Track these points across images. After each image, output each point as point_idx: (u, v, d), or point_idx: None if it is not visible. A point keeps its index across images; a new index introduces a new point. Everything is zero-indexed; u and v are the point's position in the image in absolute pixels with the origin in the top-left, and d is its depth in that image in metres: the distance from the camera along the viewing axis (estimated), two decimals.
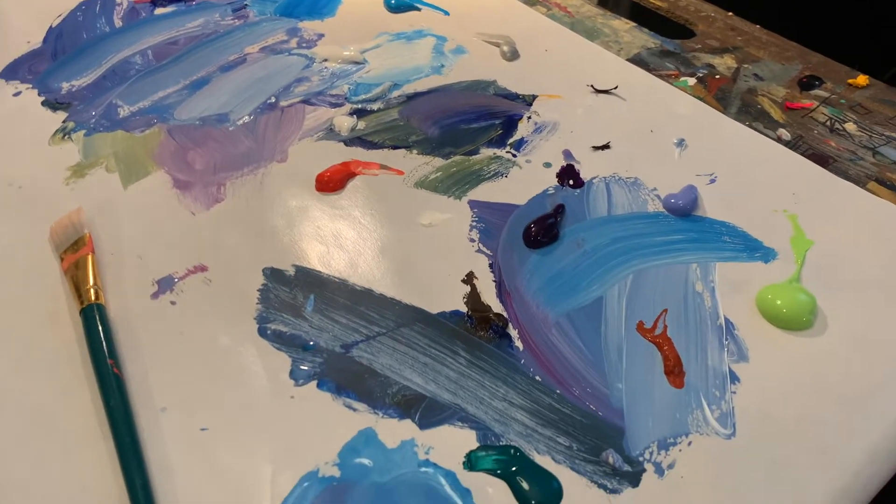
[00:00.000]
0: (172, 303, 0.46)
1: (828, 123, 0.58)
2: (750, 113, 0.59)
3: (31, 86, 0.62)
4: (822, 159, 0.55)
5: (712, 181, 0.54)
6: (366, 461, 0.39)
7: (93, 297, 0.45)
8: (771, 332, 0.44)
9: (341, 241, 0.49)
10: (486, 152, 0.56)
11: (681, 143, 0.57)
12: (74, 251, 0.48)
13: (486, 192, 0.53)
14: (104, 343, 0.42)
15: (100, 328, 0.43)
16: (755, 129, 0.58)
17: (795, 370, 0.42)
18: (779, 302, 0.45)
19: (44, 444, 0.39)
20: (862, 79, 0.62)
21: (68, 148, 0.56)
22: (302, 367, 0.43)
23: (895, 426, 0.40)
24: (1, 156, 0.55)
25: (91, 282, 0.46)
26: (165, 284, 0.47)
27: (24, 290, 0.46)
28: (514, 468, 0.38)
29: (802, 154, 0.56)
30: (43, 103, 0.60)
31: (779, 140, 0.57)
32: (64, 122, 0.58)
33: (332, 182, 0.53)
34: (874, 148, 0.56)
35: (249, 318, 0.45)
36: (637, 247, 0.49)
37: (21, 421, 0.40)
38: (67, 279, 0.47)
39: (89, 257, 0.47)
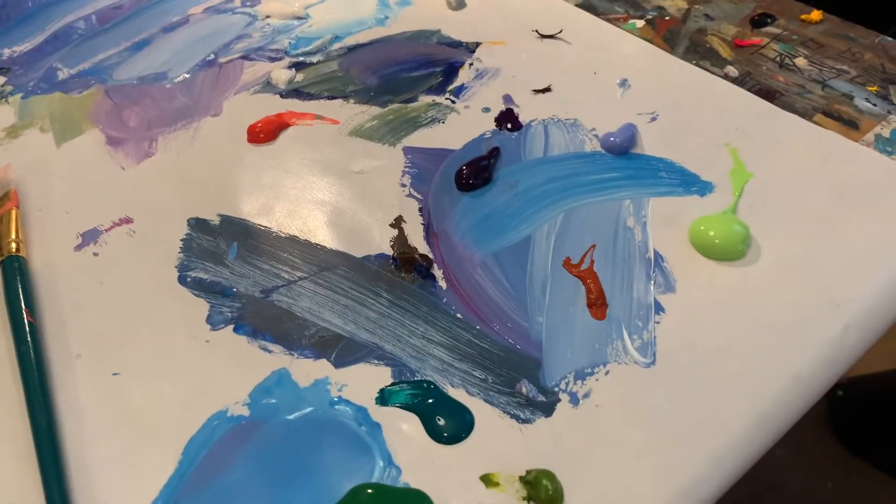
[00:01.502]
0: (95, 254, 0.46)
1: (777, 59, 0.57)
2: (698, 52, 0.58)
3: None
4: (769, 94, 0.54)
5: (653, 119, 0.52)
6: (275, 400, 0.38)
7: (13, 250, 0.44)
8: (702, 264, 0.43)
9: (270, 190, 0.49)
10: (425, 99, 0.55)
11: (623, 83, 0.55)
12: (0, 206, 0.47)
13: (423, 138, 0.52)
14: (21, 293, 0.42)
15: (17, 279, 0.43)
16: (702, 68, 0.56)
17: (724, 300, 0.41)
18: (711, 233, 0.44)
19: None
20: (816, 14, 0.60)
21: (3, 110, 0.56)
22: (219, 313, 0.42)
23: (821, 351, 0.38)
24: None
25: (13, 235, 0.45)
26: (89, 237, 0.46)
27: None
28: (426, 402, 0.38)
29: (749, 90, 0.54)
30: None
31: (726, 77, 0.55)
32: (2, 86, 0.58)
33: (263, 133, 0.53)
34: (824, 81, 0.55)
35: (171, 267, 0.45)
36: (570, 186, 0.48)
37: None
38: None
39: (13, 212, 0.47)
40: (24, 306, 0.41)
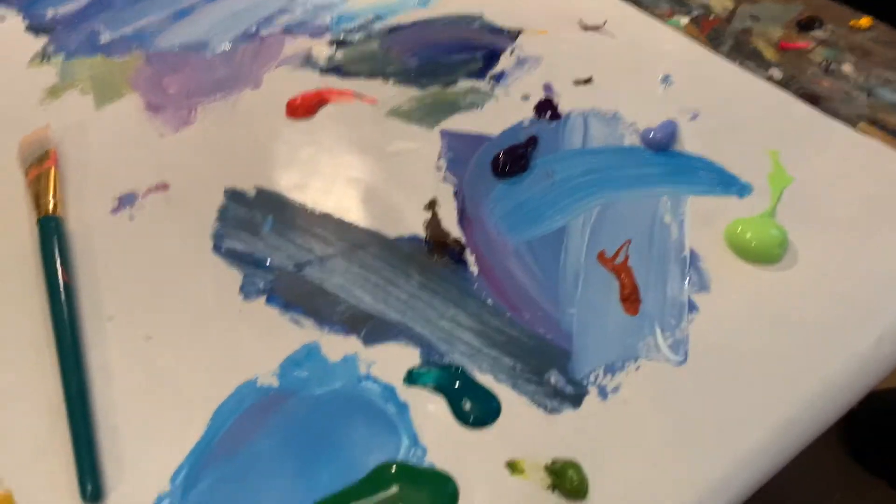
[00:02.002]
0: (131, 218, 0.46)
1: (823, 64, 0.56)
2: (742, 52, 0.57)
3: (17, 11, 0.62)
4: (812, 99, 0.53)
5: (694, 117, 0.52)
6: (305, 373, 0.38)
7: (51, 209, 0.45)
8: (737, 266, 0.43)
9: (306, 165, 0.49)
10: (464, 84, 0.55)
11: (666, 79, 0.55)
12: (39, 165, 0.48)
13: (460, 122, 0.52)
14: (56, 252, 0.42)
15: (54, 238, 0.43)
16: (746, 69, 0.56)
17: (758, 303, 0.41)
18: (748, 235, 0.43)
19: None
20: (865, 20, 0.59)
21: (46, 71, 0.56)
22: (252, 283, 0.42)
23: (854, 360, 0.38)
24: None
25: (51, 194, 0.46)
26: (126, 201, 0.47)
27: None
28: (454, 385, 0.38)
29: (793, 94, 0.54)
30: (27, 28, 0.60)
31: (769, 80, 0.55)
32: (45, 46, 0.58)
33: (302, 108, 0.53)
34: (870, 89, 0.54)
35: (206, 236, 0.45)
36: (608, 179, 0.48)
37: None
38: (30, 192, 0.47)
39: (52, 171, 0.47)
40: (59, 266, 0.41)
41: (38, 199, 0.45)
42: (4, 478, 0.35)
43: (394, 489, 0.34)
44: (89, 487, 0.33)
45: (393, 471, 0.34)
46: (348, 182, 0.48)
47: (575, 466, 0.34)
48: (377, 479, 0.34)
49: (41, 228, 0.43)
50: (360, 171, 0.48)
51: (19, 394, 0.37)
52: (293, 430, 0.36)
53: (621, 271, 0.42)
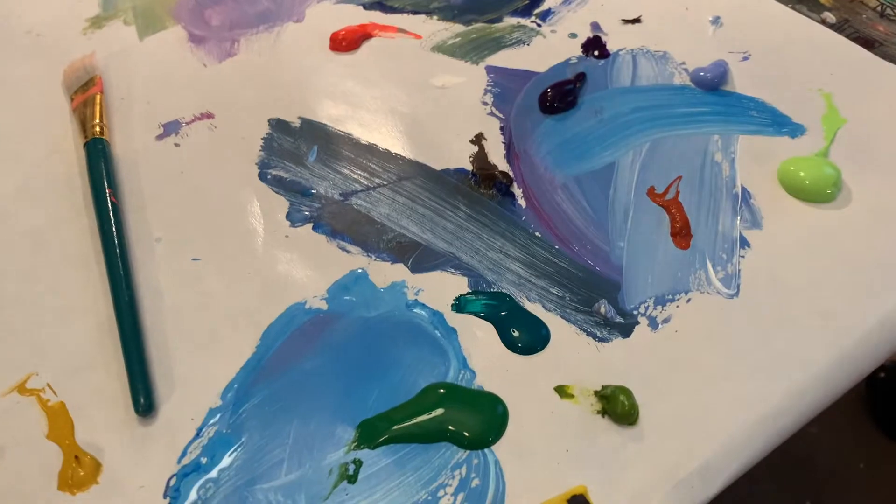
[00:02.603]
0: (176, 145, 0.46)
1: (878, 8, 0.54)
2: None
3: None
4: (867, 43, 0.52)
5: (745, 58, 0.51)
6: (353, 298, 0.38)
7: (98, 133, 0.45)
8: (790, 203, 0.42)
9: (350, 97, 0.48)
10: (510, 21, 0.54)
11: (716, 20, 0.53)
12: (84, 91, 0.47)
13: (506, 58, 0.51)
14: (104, 174, 0.42)
15: (101, 160, 0.43)
16: (798, 12, 0.54)
17: (811, 240, 0.40)
18: (802, 173, 0.42)
19: (37, 262, 0.40)
20: None
21: (88, 1, 0.56)
22: (299, 211, 0.42)
23: None
24: (22, 5, 0.55)
25: (97, 119, 0.45)
26: (171, 128, 0.47)
27: (35, 127, 0.47)
28: (502, 313, 0.37)
29: (847, 37, 0.52)
30: None
31: (823, 23, 0.53)
32: None
33: (346, 41, 0.52)
34: None
35: (251, 164, 0.45)
36: (658, 117, 0.47)
37: (18, 240, 0.41)
38: (75, 117, 0.47)
39: (97, 97, 0.47)
40: (107, 187, 0.41)
41: (84, 123, 0.45)
42: (58, 390, 0.35)
43: (443, 409, 0.34)
44: (142, 401, 0.34)
45: (443, 391, 0.34)
46: (392, 115, 0.47)
47: (626, 392, 0.34)
48: (427, 398, 0.34)
49: (88, 151, 0.43)
50: (404, 104, 0.48)
51: (69, 311, 0.38)
52: (342, 351, 0.36)
53: (672, 206, 0.42)
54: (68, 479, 0.32)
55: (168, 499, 0.32)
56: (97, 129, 0.45)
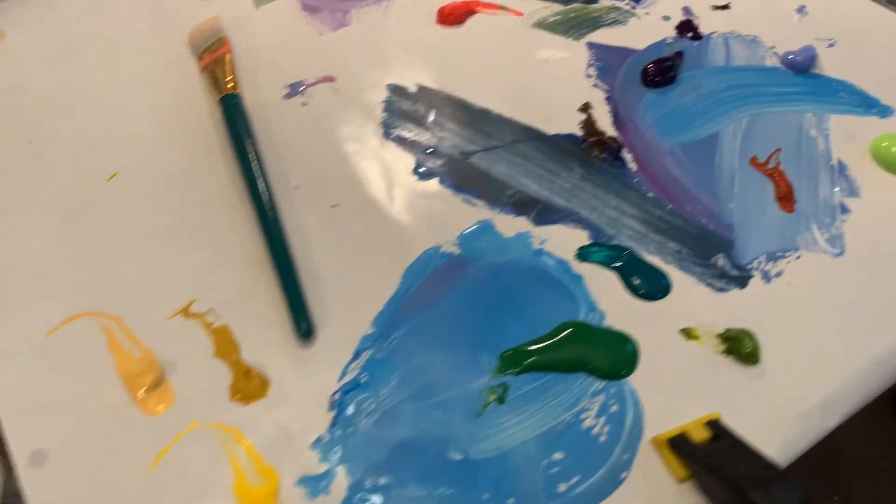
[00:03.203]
0: (304, 104, 0.49)
1: None
2: None
3: None
4: None
5: (831, 45, 0.53)
6: (483, 245, 0.41)
7: (231, 89, 0.47)
8: (884, 177, 0.45)
9: (460, 67, 0.51)
10: (606, 2, 0.57)
11: (801, 9, 0.56)
12: (213, 52, 0.50)
13: (604, 36, 0.54)
14: (243, 125, 0.45)
15: (237, 113, 0.46)
16: (880, 4, 0.57)
17: None
18: (894, 149, 0.45)
19: (185, 203, 0.43)
20: None
21: None
22: (424, 166, 0.45)
23: None
24: None
25: (229, 76, 0.48)
26: (296, 88, 0.49)
27: (165, 84, 0.49)
28: (625, 263, 0.40)
29: None
30: None
31: None
32: None
33: (452, 15, 0.55)
34: None
35: (374, 123, 0.47)
36: (753, 94, 0.50)
37: (166, 181, 0.43)
38: (206, 75, 0.50)
39: (227, 56, 0.50)
40: (248, 136, 0.44)
41: (215, 81, 0.48)
42: (221, 314, 0.38)
43: (578, 344, 0.37)
44: (304, 325, 0.36)
45: (576, 328, 0.37)
46: (502, 83, 0.50)
47: (749, 334, 0.36)
48: (562, 334, 0.37)
49: (225, 105, 0.46)
50: (511, 74, 0.51)
51: (220, 246, 0.41)
52: (478, 291, 0.39)
53: (775, 174, 0.44)
54: (240, 392, 0.35)
55: (333, 412, 0.34)
56: (229, 85, 0.48)
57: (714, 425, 0.33)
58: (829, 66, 0.52)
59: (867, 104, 0.49)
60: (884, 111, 0.49)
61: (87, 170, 0.44)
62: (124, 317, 0.38)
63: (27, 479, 0.33)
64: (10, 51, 0.52)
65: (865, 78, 0.51)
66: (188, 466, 0.33)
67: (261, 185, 0.42)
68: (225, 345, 0.36)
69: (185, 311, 0.38)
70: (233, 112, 0.46)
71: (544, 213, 0.43)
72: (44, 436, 0.34)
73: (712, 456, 0.31)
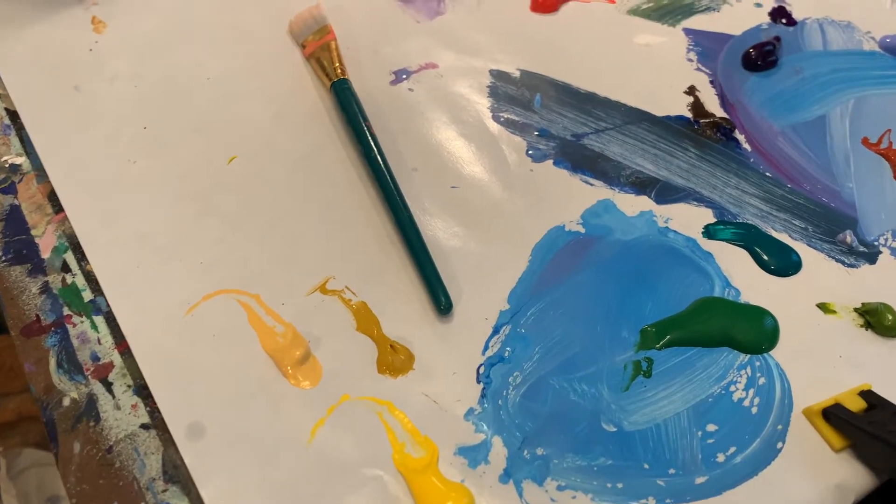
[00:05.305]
0: (410, 90, 0.49)
1: None
2: None
3: None
4: None
5: None
6: (607, 223, 0.41)
7: (340, 74, 0.48)
8: None
9: (560, 52, 0.51)
10: None
11: None
12: (317, 39, 0.51)
13: (699, 23, 0.54)
14: (358, 108, 0.46)
15: (352, 98, 0.46)
16: None
17: None
18: None
19: (308, 184, 0.43)
20: None
21: None
22: (537, 148, 0.45)
23: None
24: None
25: (337, 62, 0.49)
26: (401, 74, 0.50)
27: (271, 70, 0.50)
28: (752, 240, 0.40)
29: None
30: None
31: None
32: None
33: (546, 3, 0.55)
34: None
35: (483, 108, 0.48)
36: (856, 77, 0.50)
37: (291, 164, 0.44)
38: (312, 62, 0.50)
39: (333, 43, 0.50)
40: (365, 119, 0.45)
41: (323, 67, 0.49)
42: (356, 291, 0.38)
43: (718, 318, 0.37)
44: (443, 300, 0.37)
45: (715, 303, 0.37)
46: (605, 66, 0.50)
47: (889, 308, 0.36)
48: (701, 309, 0.37)
49: (337, 90, 0.47)
50: (611, 59, 0.51)
51: (348, 226, 0.41)
52: (608, 267, 0.39)
53: (890, 154, 0.44)
54: (387, 366, 0.35)
55: (481, 384, 0.35)
56: (338, 71, 0.48)
57: (869, 395, 0.33)
58: None
59: None
60: None
61: (206, 153, 0.45)
62: (262, 294, 0.38)
63: (186, 450, 0.33)
64: (114, 41, 0.52)
65: None
66: (344, 438, 0.33)
67: (382, 167, 0.42)
68: (366, 320, 0.37)
69: (323, 288, 0.38)
70: (347, 96, 0.46)
71: (664, 192, 0.43)
72: (198, 409, 0.34)
73: (875, 424, 0.31)
